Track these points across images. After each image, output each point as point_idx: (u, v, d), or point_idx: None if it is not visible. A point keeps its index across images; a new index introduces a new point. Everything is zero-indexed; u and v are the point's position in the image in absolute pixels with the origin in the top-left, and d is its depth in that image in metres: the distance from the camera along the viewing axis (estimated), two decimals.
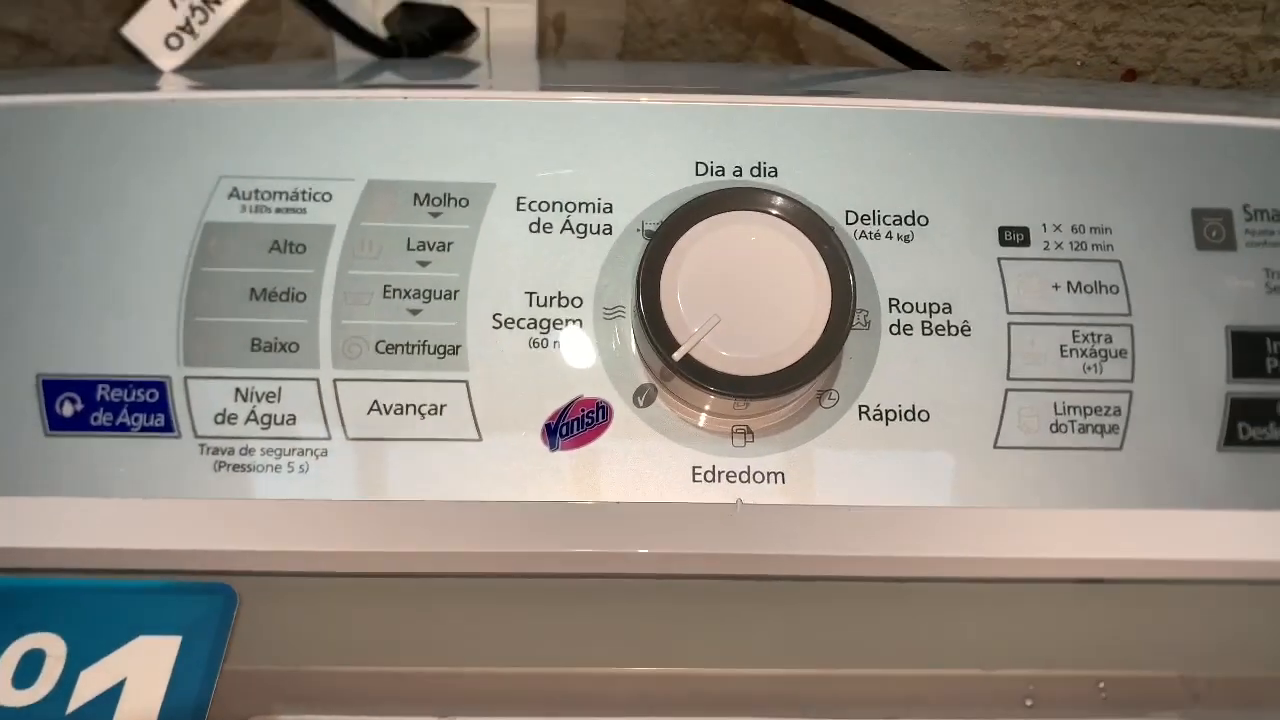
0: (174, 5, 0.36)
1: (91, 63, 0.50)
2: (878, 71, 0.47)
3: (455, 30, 0.45)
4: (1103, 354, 0.31)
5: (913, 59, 0.47)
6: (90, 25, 0.49)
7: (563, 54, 0.49)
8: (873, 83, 0.42)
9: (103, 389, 0.29)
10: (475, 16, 0.45)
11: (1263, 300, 0.32)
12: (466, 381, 0.30)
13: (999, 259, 0.31)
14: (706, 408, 0.29)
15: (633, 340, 0.30)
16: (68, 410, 0.29)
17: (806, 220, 0.29)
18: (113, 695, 0.25)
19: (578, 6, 0.48)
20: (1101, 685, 0.27)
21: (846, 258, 0.29)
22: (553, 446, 0.30)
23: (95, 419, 0.29)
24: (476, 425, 0.30)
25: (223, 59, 0.48)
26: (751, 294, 0.28)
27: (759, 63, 0.50)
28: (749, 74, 0.45)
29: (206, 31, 0.37)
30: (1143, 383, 0.31)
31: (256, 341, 0.30)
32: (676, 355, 0.28)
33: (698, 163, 0.32)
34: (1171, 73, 0.51)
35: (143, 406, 0.29)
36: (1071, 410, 0.31)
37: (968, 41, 0.50)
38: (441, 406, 0.30)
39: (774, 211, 0.29)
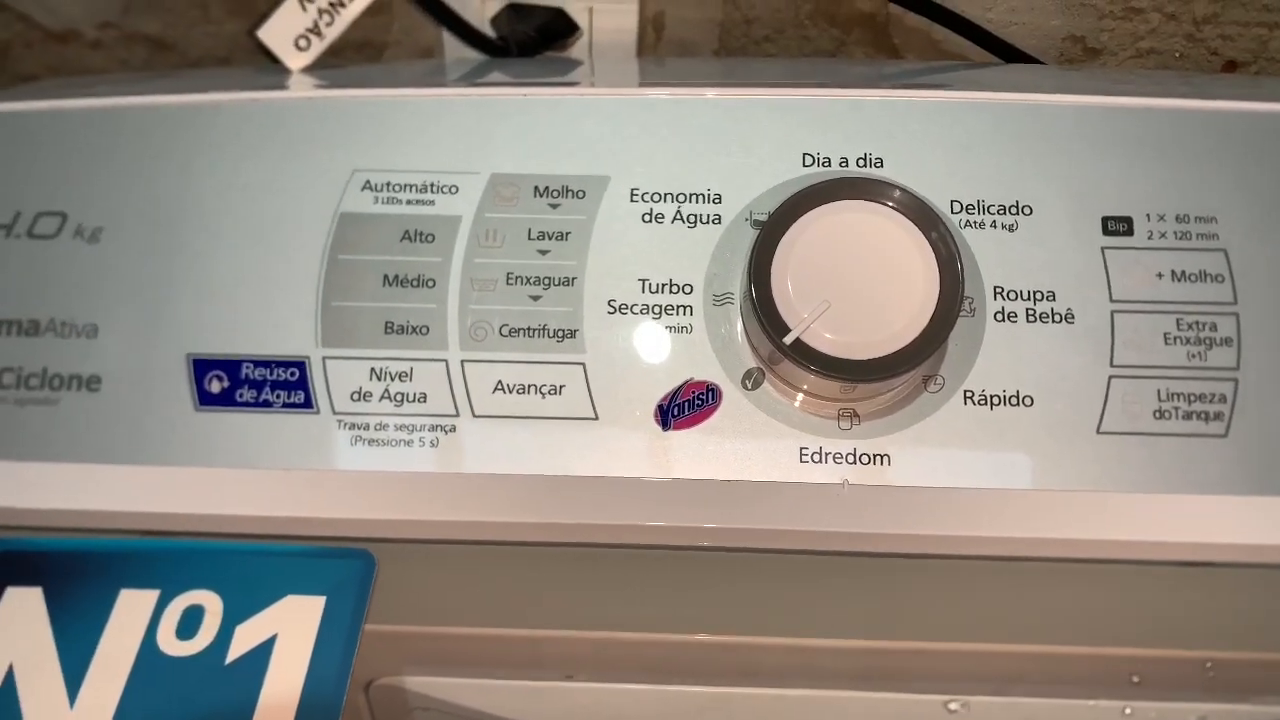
0: (304, 8, 0.39)
1: (215, 64, 0.53)
2: (973, 65, 0.48)
3: (560, 30, 0.46)
4: (1208, 342, 0.31)
5: (1008, 53, 0.48)
6: (215, 29, 0.51)
7: (661, 51, 0.50)
8: (971, 76, 0.43)
9: (247, 368, 0.31)
10: (579, 16, 0.47)
11: None
12: (584, 363, 0.31)
13: (1103, 248, 0.32)
14: (815, 391, 0.31)
15: (740, 326, 0.31)
16: (215, 387, 0.31)
17: (915, 209, 0.30)
18: (266, 649, 0.27)
19: (676, 5, 0.49)
20: (1209, 665, 0.28)
21: (955, 246, 0.30)
22: (665, 426, 0.31)
23: (241, 395, 0.31)
24: (593, 405, 0.31)
25: (337, 59, 0.50)
26: (860, 281, 0.29)
27: (854, 58, 0.51)
28: (845, 69, 0.46)
29: (332, 33, 0.39)
30: (1249, 371, 0.31)
31: (390, 325, 0.32)
32: (787, 339, 0.29)
33: (805, 154, 0.33)
34: (1273, 64, 0.50)
35: (284, 384, 0.31)
36: (1175, 397, 0.31)
37: (1063, 35, 0.50)
38: (560, 387, 0.31)
39: (883, 200, 0.30)
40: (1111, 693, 0.27)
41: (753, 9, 0.49)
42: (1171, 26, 0.49)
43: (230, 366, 0.32)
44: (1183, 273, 0.32)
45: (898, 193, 0.30)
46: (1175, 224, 0.32)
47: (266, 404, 0.31)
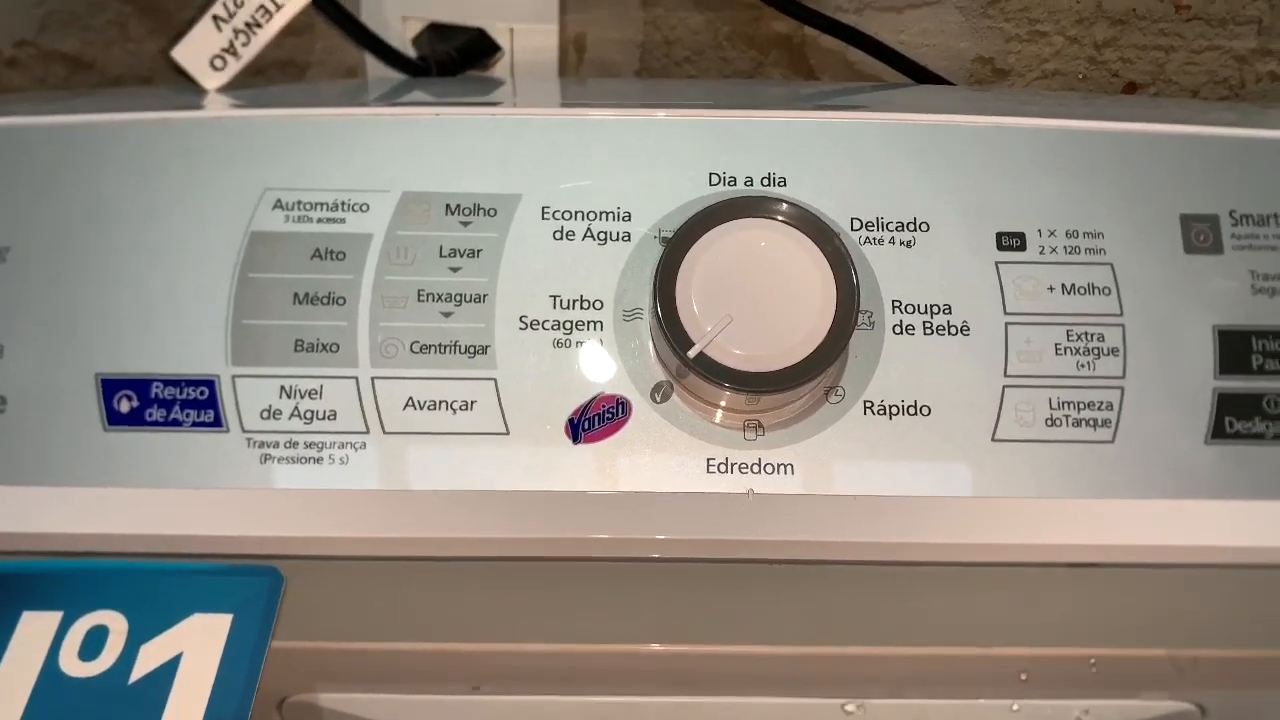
0: (219, 28, 0.39)
1: (136, 83, 0.52)
2: (885, 86, 0.49)
3: (481, 50, 0.47)
4: (1095, 352, 0.33)
5: (919, 74, 0.49)
6: (135, 47, 0.51)
7: (583, 72, 0.51)
8: (880, 97, 0.44)
9: (157, 387, 0.31)
10: (500, 37, 0.47)
11: (1248, 300, 0.33)
12: (495, 379, 0.32)
13: (997, 262, 0.33)
14: (720, 403, 0.31)
15: (650, 341, 0.32)
16: (124, 407, 0.31)
17: (812, 225, 0.31)
18: (170, 667, 0.27)
19: (597, 26, 0.50)
20: (1093, 662, 0.29)
21: (850, 259, 0.31)
22: (575, 440, 0.32)
23: (150, 415, 0.31)
24: (505, 420, 0.32)
25: (259, 78, 0.50)
26: (762, 295, 0.30)
27: (771, 79, 0.52)
28: (761, 89, 0.47)
29: (248, 53, 0.40)
30: (1134, 379, 0.32)
31: (300, 342, 0.32)
32: (691, 352, 0.30)
33: (711, 173, 0.34)
34: (1171, 85, 0.52)
35: (194, 403, 0.31)
36: (1066, 405, 0.32)
37: (972, 56, 0.51)
38: (472, 403, 0.32)
39: (782, 218, 0.31)
40: (1001, 691, 0.28)
41: (673, 30, 0.50)
42: (1074, 49, 0.51)
43: (139, 386, 0.31)
44: (1072, 285, 0.33)
45: (795, 209, 0.31)
46: (1065, 239, 0.34)
47: (176, 423, 0.31)
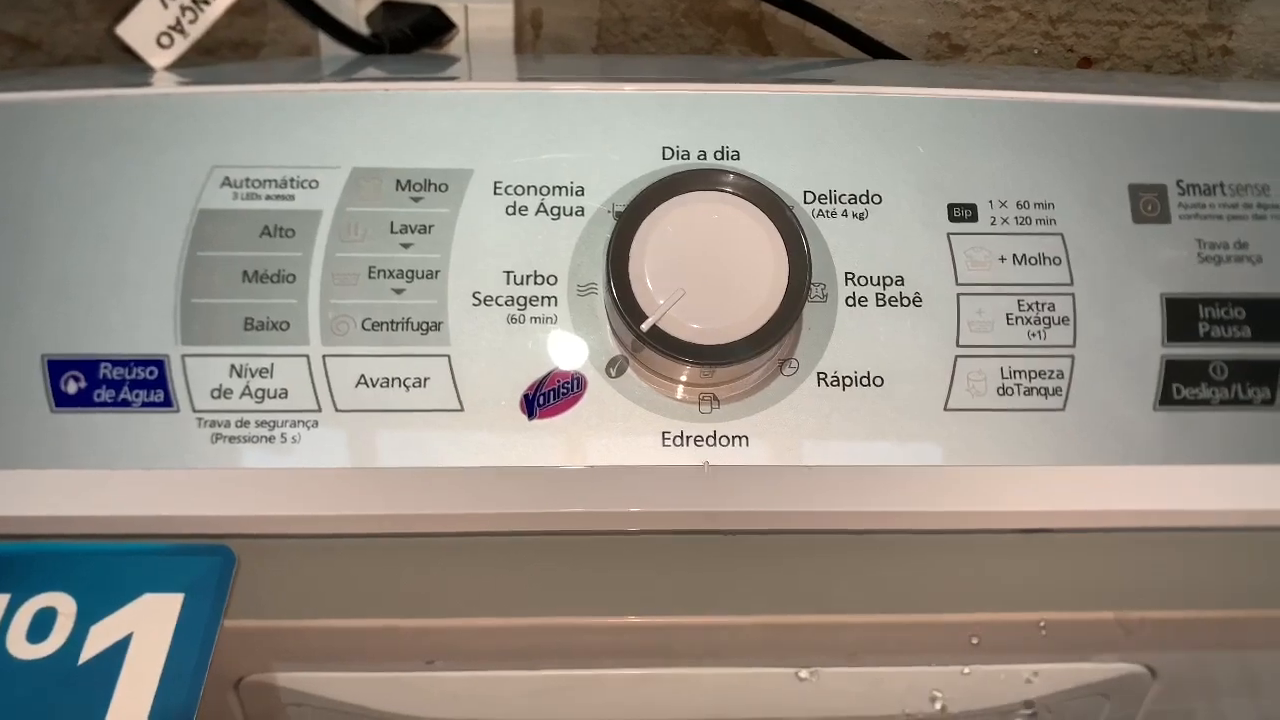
0: (165, 5, 0.38)
1: (84, 63, 0.51)
2: (841, 61, 0.49)
3: (435, 27, 0.46)
4: (1046, 321, 0.33)
5: (877, 50, 0.49)
6: (83, 27, 0.50)
7: (540, 49, 0.51)
8: (835, 71, 0.44)
9: (105, 367, 0.31)
10: (454, 14, 0.47)
11: (1195, 269, 0.34)
12: (448, 356, 0.32)
13: (949, 234, 0.33)
14: (675, 377, 0.31)
15: (605, 315, 0.32)
16: (72, 388, 0.31)
17: (763, 197, 0.31)
18: (120, 648, 0.27)
19: (554, 3, 0.50)
20: (1042, 625, 0.29)
21: (802, 231, 0.31)
22: (531, 415, 0.31)
23: (98, 396, 0.31)
24: (459, 396, 0.31)
25: (211, 58, 0.49)
26: (714, 268, 0.30)
27: (729, 55, 0.52)
28: (718, 65, 0.47)
29: (196, 30, 0.39)
30: (1084, 348, 0.33)
31: (250, 321, 0.32)
32: (644, 326, 0.30)
33: (664, 147, 0.34)
34: (1125, 60, 0.53)
35: (143, 383, 0.31)
36: (1017, 374, 0.33)
37: (929, 32, 0.52)
38: (425, 379, 0.32)
39: (733, 190, 0.31)
40: (952, 657, 0.28)
41: (630, 7, 0.50)
42: (1030, 25, 0.52)
43: (87, 367, 0.31)
44: (1023, 256, 0.33)
45: (746, 182, 0.31)
46: (1016, 209, 0.34)
47: (125, 403, 0.31)
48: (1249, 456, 0.32)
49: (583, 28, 0.51)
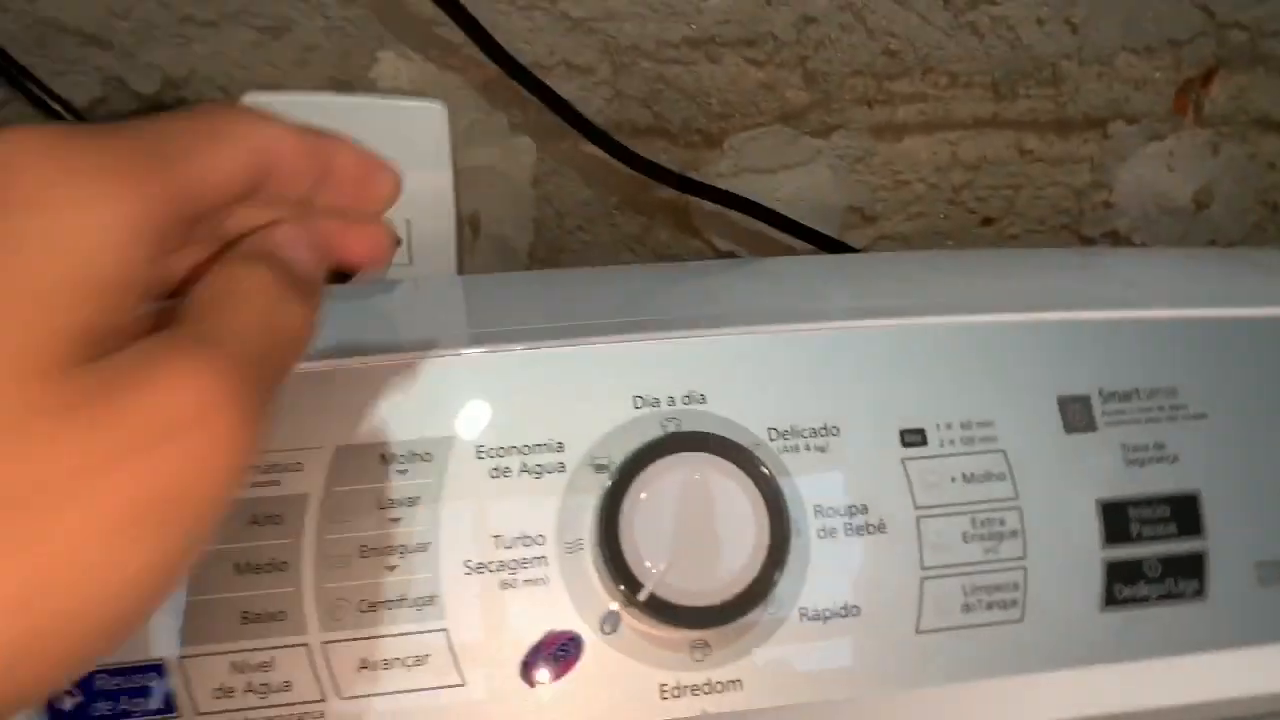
0: None
1: None
2: (779, 263, 0.51)
3: None
4: (998, 536, 0.36)
5: (797, 229, 0.53)
6: None
7: (479, 248, 0.52)
8: (775, 304, 0.45)
9: (101, 679, 0.31)
10: (400, 228, 0.48)
11: (1122, 472, 0.37)
12: (446, 629, 0.33)
13: (903, 459, 0.36)
14: (669, 633, 0.33)
15: (594, 571, 0.33)
16: (69, 704, 0.31)
17: (738, 456, 0.33)
18: None
19: (491, 204, 0.52)
20: None
21: (778, 487, 0.33)
22: (531, 683, 0.32)
23: (96, 710, 0.31)
24: (459, 670, 0.32)
25: None
26: (698, 531, 0.32)
27: (661, 243, 0.54)
28: (667, 282, 0.47)
29: None
30: (1034, 558, 0.36)
31: (246, 614, 0.32)
32: (641, 595, 0.31)
33: (635, 396, 0.35)
34: (1020, 217, 0.57)
35: (142, 691, 0.31)
36: (978, 590, 0.35)
37: (843, 206, 0.55)
38: (425, 656, 0.32)
39: (710, 450, 0.33)
40: None
41: (564, 204, 0.52)
42: (935, 194, 0.56)
43: (83, 681, 0.31)
44: (971, 474, 0.36)
45: (721, 442, 0.33)
46: (961, 430, 0.37)
47: (126, 714, 0.31)
48: (1188, 648, 0.36)
49: (519, 226, 0.52)
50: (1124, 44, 0.51)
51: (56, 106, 0.44)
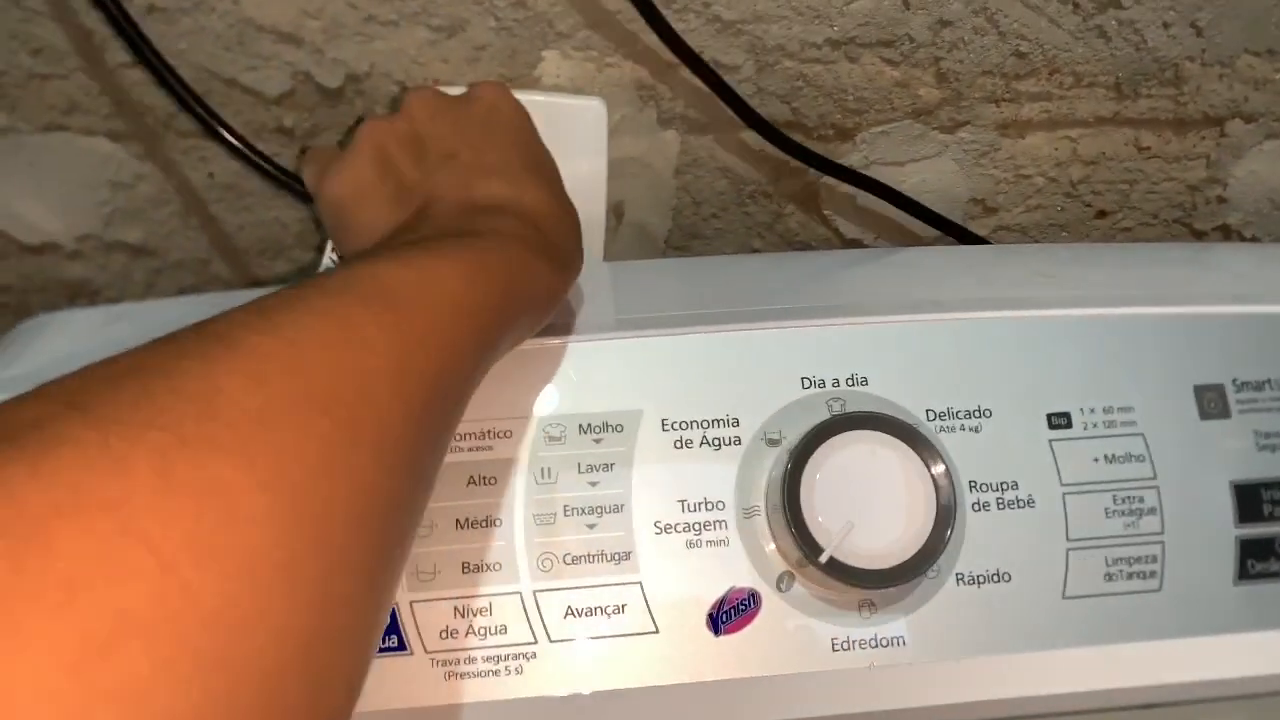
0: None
1: (195, 265, 0.55)
2: (919, 252, 0.54)
3: None
4: (1138, 512, 0.39)
5: (921, 212, 0.55)
6: (194, 234, 0.54)
7: (621, 234, 0.56)
8: (930, 293, 0.49)
9: None
10: None
11: (1254, 457, 0.40)
12: (640, 583, 0.36)
13: (1050, 440, 0.39)
14: (840, 591, 0.36)
15: (770, 534, 0.37)
16: None
17: (909, 435, 0.36)
18: None
19: (635, 194, 0.55)
20: None
21: (946, 463, 0.36)
22: (716, 632, 0.36)
23: None
24: (653, 619, 0.36)
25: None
26: (872, 500, 0.35)
27: (790, 230, 0.57)
28: (822, 270, 0.50)
29: None
30: (1171, 534, 0.38)
31: (466, 565, 0.36)
32: (822, 558, 0.35)
33: (803, 378, 0.39)
34: (1135, 210, 0.60)
35: None
36: (1119, 562, 0.38)
37: (967, 198, 0.58)
38: (623, 606, 0.36)
39: (883, 429, 0.36)
40: None
41: (701, 194, 0.55)
42: (1054, 186, 0.58)
43: None
44: (1113, 455, 0.39)
45: (891, 422, 0.36)
46: (1103, 415, 0.39)
47: None
48: None
49: (659, 213, 0.56)
50: (1246, 46, 0.53)
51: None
